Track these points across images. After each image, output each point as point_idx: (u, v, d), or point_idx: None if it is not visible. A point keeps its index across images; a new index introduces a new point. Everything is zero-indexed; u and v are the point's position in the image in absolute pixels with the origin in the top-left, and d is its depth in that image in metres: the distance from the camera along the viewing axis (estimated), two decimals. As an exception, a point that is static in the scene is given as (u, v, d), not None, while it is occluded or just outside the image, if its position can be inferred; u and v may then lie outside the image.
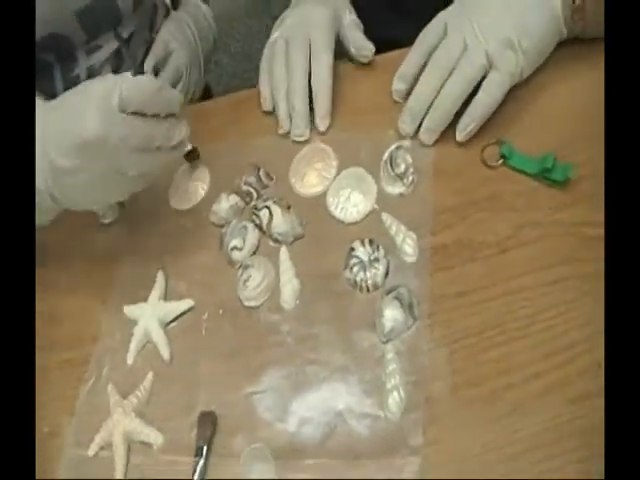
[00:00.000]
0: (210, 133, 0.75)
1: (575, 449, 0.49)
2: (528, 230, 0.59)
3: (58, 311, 0.68)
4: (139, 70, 0.58)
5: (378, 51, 0.75)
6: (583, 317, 0.54)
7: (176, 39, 0.87)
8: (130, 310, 0.65)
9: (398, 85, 0.68)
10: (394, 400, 0.53)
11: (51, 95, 0.83)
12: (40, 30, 0.75)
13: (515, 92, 0.64)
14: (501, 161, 0.62)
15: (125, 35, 0.86)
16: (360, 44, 0.74)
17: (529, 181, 0.61)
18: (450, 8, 0.66)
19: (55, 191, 0.58)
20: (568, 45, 0.65)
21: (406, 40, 0.68)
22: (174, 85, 0.87)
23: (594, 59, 0.63)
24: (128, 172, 0.57)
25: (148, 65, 0.85)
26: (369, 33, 0.77)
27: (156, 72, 0.87)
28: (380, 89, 0.71)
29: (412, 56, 0.66)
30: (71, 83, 0.83)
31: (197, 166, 0.72)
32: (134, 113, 0.55)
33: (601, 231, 0.56)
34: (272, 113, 0.73)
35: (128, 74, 0.56)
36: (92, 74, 0.86)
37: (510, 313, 0.55)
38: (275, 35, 0.75)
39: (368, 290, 0.60)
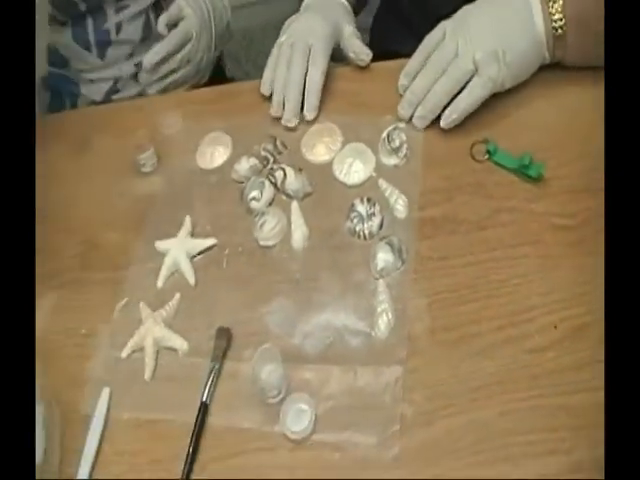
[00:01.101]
0: (237, 109, 0.90)
1: (525, 390, 0.62)
2: (504, 214, 0.73)
3: (99, 240, 0.81)
4: None
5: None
6: (543, 287, 0.67)
7: (190, 6, 1.02)
8: (161, 244, 0.78)
9: (403, 80, 0.83)
10: (383, 321, 0.68)
11: (85, 45, 0.98)
12: None
13: (504, 101, 0.80)
14: (487, 156, 0.78)
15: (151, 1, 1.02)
16: (358, 50, 0.89)
17: (509, 175, 0.76)
18: (451, 19, 0.81)
19: None
20: (552, 68, 0.80)
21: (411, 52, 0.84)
22: (182, 45, 1.01)
23: (574, 82, 0.79)
24: None
25: (161, 22, 1.00)
26: (380, 46, 0.93)
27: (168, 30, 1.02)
28: (382, 88, 0.86)
29: (415, 57, 0.82)
30: (102, 36, 1.01)
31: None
32: None
33: (564, 221, 0.71)
34: (267, 98, 0.88)
35: None
36: (120, 29, 1.01)
37: (483, 277, 0.69)
38: (283, 38, 0.89)
39: (365, 238, 0.74)
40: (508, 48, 0.77)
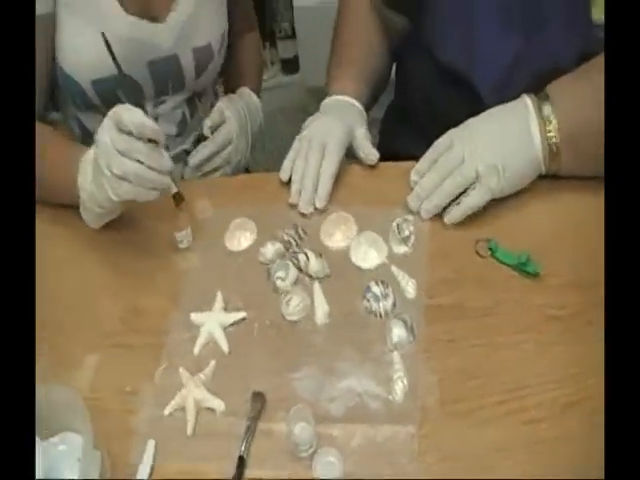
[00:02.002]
0: (262, 197, 1.04)
1: (523, 455, 0.74)
2: (506, 305, 0.86)
3: (141, 307, 0.92)
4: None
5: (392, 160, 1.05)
6: (539, 368, 0.80)
7: (230, 110, 1.17)
8: (196, 317, 0.89)
9: (414, 177, 0.98)
10: (399, 387, 0.80)
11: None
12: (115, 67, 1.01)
13: (505, 202, 0.94)
14: (489, 253, 0.92)
15: (186, 96, 1.16)
16: (367, 151, 1.04)
17: (509, 270, 0.90)
18: (459, 128, 0.95)
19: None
20: (550, 177, 0.95)
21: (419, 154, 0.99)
22: (224, 147, 1.15)
23: (570, 187, 0.95)
24: (114, 170, 0.82)
25: (206, 125, 1.15)
26: (387, 146, 1.08)
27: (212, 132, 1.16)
28: (393, 185, 1.01)
29: (425, 158, 0.97)
30: None
31: (182, 209, 0.96)
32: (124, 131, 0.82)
33: (558, 312, 0.84)
34: (286, 184, 1.03)
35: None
36: (157, 122, 1.13)
37: (486, 358, 0.82)
38: (304, 133, 1.04)
39: (380, 316, 0.87)
40: (508, 165, 0.91)
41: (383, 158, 1.06)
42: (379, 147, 1.06)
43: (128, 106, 0.83)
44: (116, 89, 1.05)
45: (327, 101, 1.10)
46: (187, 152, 1.20)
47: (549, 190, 0.96)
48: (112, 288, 0.95)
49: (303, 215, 0.99)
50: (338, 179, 1.02)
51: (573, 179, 0.95)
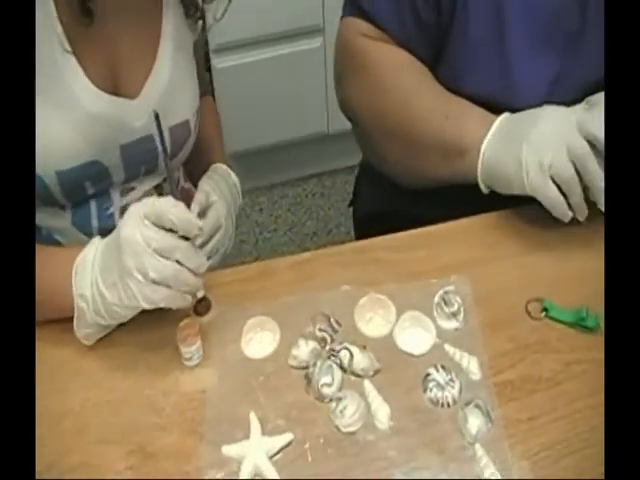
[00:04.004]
0: (276, 288, 0.93)
1: None
2: (574, 366, 0.82)
3: (153, 447, 0.79)
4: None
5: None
6: None
7: (215, 192, 1.08)
8: (231, 449, 0.77)
9: None
10: None
11: (85, 231, 1.03)
12: (85, 154, 0.94)
13: (549, 257, 0.91)
14: (543, 314, 0.88)
15: (157, 182, 1.08)
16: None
17: (567, 328, 0.86)
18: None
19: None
20: (589, 223, 0.92)
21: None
22: (213, 234, 1.05)
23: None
24: (149, 273, 0.76)
25: (193, 211, 1.06)
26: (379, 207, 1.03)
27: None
28: (420, 255, 0.96)
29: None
30: (106, 220, 1.03)
31: (207, 313, 0.91)
32: (156, 225, 0.78)
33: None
34: (309, 274, 0.95)
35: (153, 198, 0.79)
36: (124, 213, 1.05)
37: (572, 430, 0.77)
38: None
39: (448, 405, 0.80)
40: None
41: (376, 220, 1.01)
42: (365, 211, 1.02)
43: (171, 200, 0.79)
44: (82, 180, 0.96)
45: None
46: None
47: (591, 238, 0.93)
48: (107, 429, 0.81)
49: (334, 303, 0.90)
50: (358, 257, 0.95)
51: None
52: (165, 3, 1.02)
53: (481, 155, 0.95)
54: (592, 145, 0.88)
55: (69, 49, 0.90)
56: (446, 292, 0.89)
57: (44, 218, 1.02)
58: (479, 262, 0.94)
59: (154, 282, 0.77)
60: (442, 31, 1.06)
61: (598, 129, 0.87)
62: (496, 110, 1.00)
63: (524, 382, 0.82)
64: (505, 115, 0.97)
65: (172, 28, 1.03)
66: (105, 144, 0.97)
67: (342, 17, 1.15)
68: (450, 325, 0.87)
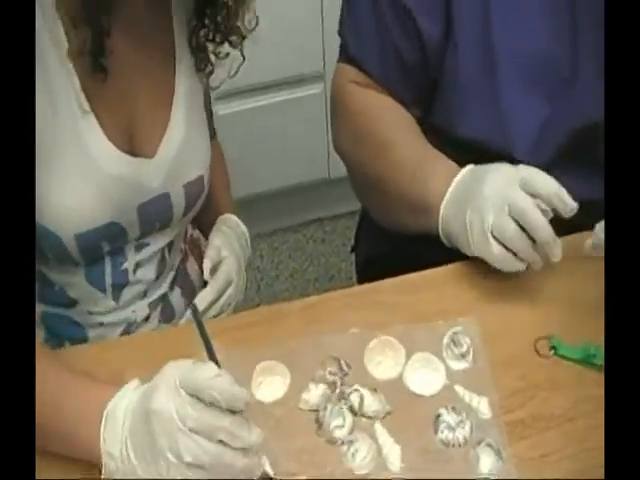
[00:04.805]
0: (286, 332, 0.95)
1: None
2: (584, 403, 0.84)
3: None
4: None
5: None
6: None
7: (226, 247, 1.11)
8: None
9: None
10: None
11: (100, 287, 1.03)
12: (104, 216, 0.96)
13: (555, 294, 0.94)
14: (552, 352, 0.89)
15: (170, 238, 1.09)
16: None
17: (576, 365, 0.88)
18: None
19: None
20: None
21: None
22: (224, 290, 1.09)
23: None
24: (183, 456, 0.67)
25: (206, 268, 1.08)
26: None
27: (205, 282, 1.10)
28: (425, 296, 0.98)
29: None
30: (120, 277, 1.05)
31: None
32: (194, 397, 0.68)
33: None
34: (317, 318, 0.96)
35: (191, 362, 0.71)
36: (138, 268, 1.06)
37: (584, 468, 0.78)
38: None
39: (460, 445, 0.81)
40: None
41: (377, 265, 1.03)
42: (367, 256, 1.04)
43: (213, 369, 0.70)
44: (100, 240, 0.98)
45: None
46: (164, 296, 1.14)
47: (596, 273, 0.95)
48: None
49: (345, 346, 0.92)
50: (365, 299, 0.97)
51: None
52: (178, 59, 1.04)
53: (440, 214, 0.97)
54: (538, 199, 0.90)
55: (88, 109, 0.91)
56: (455, 333, 0.91)
57: (57, 275, 1.03)
58: (485, 302, 0.96)
59: (191, 465, 0.68)
60: (429, 74, 1.09)
61: (541, 185, 0.89)
62: (488, 152, 1.02)
63: (535, 420, 0.83)
64: (463, 172, 0.98)
65: (185, 84, 1.05)
66: (124, 205, 0.98)
67: (337, 63, 1.19)
68: (460, 366, 0.89)
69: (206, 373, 0.69)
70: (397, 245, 1.17)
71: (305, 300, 0.99)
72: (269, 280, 2.41)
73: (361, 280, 1.41)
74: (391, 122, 1.11)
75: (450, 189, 0.97)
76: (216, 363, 0.73)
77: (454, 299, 0.97)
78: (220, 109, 2.24)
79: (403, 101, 1.12)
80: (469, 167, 0.98)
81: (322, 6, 2.18)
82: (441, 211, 0.97)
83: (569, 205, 0.88)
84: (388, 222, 1.14)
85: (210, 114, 1.20)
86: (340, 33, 1.18)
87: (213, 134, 1.26)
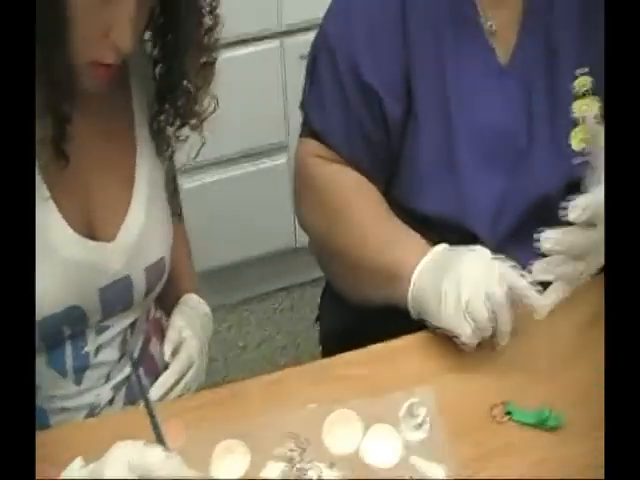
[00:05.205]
0: (245, 410, 0.97)
1: None
2: (538, 467, 0.87)
3: None
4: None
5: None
6: None
7: (187, 328, 1.12)
8: None
9: None
10: None
11: (61, 371, 1.03)
12: (65, 301, 0.97)
13: (511, 361, 0.97)
14: (508, 417, 0.92)
15: (132, 319, 1.10)
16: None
17: (531, 429, 0.91)
18: None
19: None
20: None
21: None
22: (185, 372, 1.10)
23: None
24: None
25: (167, 351, 1.10)
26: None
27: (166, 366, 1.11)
28: (383, 368, 1.01)
29: None
30: (81, 360, 1.05)
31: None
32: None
33: (588, 460, 0.85)
34: (280, 397, 0.98)
35: (141, 443, 0.72)
36: (99, 351, 1.07)
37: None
38: None
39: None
40: None
41: (340, 336, 1.06)
42: (330, 326, 1.06)
43: (162, 454, 0.71)
44: (61, 325, 0.99)
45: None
46: (128, 378, 1.13)
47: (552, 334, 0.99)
48: None
49: (304, 421, 0.94)
50: (324, 374, 1.00)
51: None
52: (138, 143, 1.06)
53: (412, 285, 1.01)
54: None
55: (47, 195, 0.93)
56: (411, 404, 0.93)
57: None
58: (442, 371, 1.00)
59: None
60: (393, 152, 1.14)
61: (516, 282, 0.93)
62: (448, 229, 1.07)
63: (495, 485, 0.86)
64: (438, 248, 1.02)
65: (145, 167, 1.07)
66: (84, 289, 1.00)
67: (300, 136, 1.23)
68: (416, 437, 0.91)
69: (156, 455, 0.71)
70: (359, 317, 1.19)
71: (264, 377, 1.02)
72: (237, 351, 2.42)
73: (325, 351, 1.43)
74: (362, 195, 1.15)
75: (425, 259, 1.01)
76: (164, 445, 0.74)
77: (411, 370, 1.00)
78: (185, 182, 2.28)
79: (367, 175, 1.16)
80: (444, 245, 1.03)
81: (284, 77, 2.23)
82: (413, 279, 1.00)
83: (538, 304, 0.93)
84: (351, 294, 1.16)
85: (175, 192, 1.21)
86: (302, 107, 1.22)
87: (179, 212, 1.29)
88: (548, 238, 0.92)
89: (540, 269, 0.93)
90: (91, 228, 1.01)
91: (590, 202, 0.89)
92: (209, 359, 2.19)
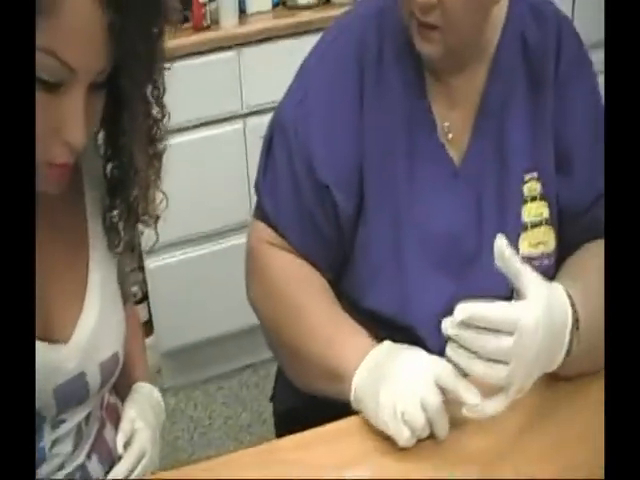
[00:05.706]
0: None
1: None
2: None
3: None
4: None
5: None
6: None
7: (140, 418, 1.15)
8: None
9: None
10: None
11: None
12: None
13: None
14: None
15: (87, 410, 1.12)
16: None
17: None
18: None
19: None
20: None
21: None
22: (137, 463, 1.12)
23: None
24: None
25: (120, 443, 1.12)
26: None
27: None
28: (333, 448, 1.05)
29: None
30: (37, 454, 1.06)
31: None
32: None
33: None
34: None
35: None
36: (54, 445, 1.08)
37: None
38: None
39: None
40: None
41: (292, 416, 1.13)
42: (283, 406, 1.15)
43: None
44: None
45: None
46: (82, 466, 1.15)
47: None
48: None
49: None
50: (267, 458, 1.04)
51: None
52: (91, 240, 1.09)
53: (353, 385, 1.03)
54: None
55: None
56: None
57: None
58: (378, 453, 1.03)
59: None
60: (344, 245, 1.18)
61: (452, 385, 0.95)
62: (394, 327, 1.11)
63: None
64: (379, 349, 1.04)
65: (99, 265, 1.10)
66: (39, 389, 1.00)
67: (253, 216, 1.27)
68: (352, 519, 0.96)
69: None
70: (309, 399, 1.22)
71: (209, 462, 1.06)
72: (203, 429, 2.44)
73: (279, 431, 1.47)
74: (310, 286, 1.18)
75: (364, 363, 1.03)
76: None
77: (349, 452, 1.04)
78: (150, 262, 2.33)
79: (316, 266, 1.19)
80: (386, 343, 1.05)
81: (247, 157, 2.30)
82: (354, 382, 1.03)
83: (473, 402, 0.94)
84: (299, 383, 1.20)
85: (139, 269, 1.23)
86: (256, 188, 1.25)
87: (130, 296, 1.32)
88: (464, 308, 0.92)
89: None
90: (46, 330, 1.03)
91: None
92: (174, 437, 2.25)
